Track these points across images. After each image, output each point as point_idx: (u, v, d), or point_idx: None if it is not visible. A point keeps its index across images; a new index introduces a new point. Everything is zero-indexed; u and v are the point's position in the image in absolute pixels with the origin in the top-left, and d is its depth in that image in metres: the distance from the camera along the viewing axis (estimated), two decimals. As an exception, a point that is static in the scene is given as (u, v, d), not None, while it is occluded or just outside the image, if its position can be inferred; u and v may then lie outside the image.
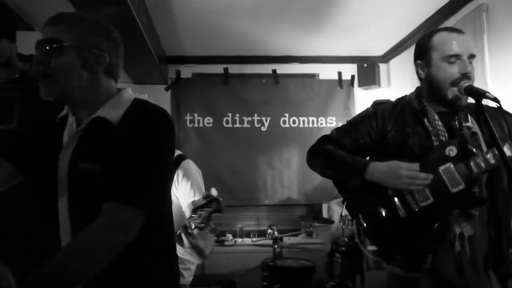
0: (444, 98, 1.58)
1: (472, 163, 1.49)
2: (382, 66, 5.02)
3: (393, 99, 1.79)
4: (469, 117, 1.60)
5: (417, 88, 1.74)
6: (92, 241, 1.08)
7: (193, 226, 1.91)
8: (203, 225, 1.88)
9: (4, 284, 1.21)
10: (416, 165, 1.52)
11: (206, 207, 1.90)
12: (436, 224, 1.51)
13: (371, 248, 1.71)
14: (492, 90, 3.02)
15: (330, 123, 4.95)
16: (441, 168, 1.53)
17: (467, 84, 1.50)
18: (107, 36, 1.26)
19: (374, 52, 4.92)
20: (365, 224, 1.67)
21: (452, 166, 1.52)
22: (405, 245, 1.58)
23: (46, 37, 1.19)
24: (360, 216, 1.69)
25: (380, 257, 1.66)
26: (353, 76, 4.99)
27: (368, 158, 1.71)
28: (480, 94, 1.43)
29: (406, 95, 1.77)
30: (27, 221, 1.60)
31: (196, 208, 1.94)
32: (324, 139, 1.79)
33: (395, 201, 1.59)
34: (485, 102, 1.45)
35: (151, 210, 1.15)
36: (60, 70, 1.18)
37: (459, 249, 1.51)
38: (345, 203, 1.81)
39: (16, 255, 1.73)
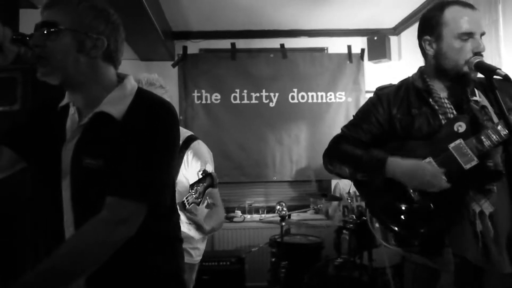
0: (458, 74, 1.52)
1: (483, 136, 1.45)
2: (393, 39, 4.89)
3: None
4: (476, 91, 1.56)
5: (420, 67, 1.70)
6: (94, 235, 1.09)
7: (190, 201, 1.93)
8: (200, 200, 1.90)
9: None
10: (440, 172, 1.47)
11: (202, 182, 1.92)
12: (453, 205, 1.47)
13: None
14: (506, 62, 2.96)
15: (339, 98, 4.86)
16: (451, 146, 1.49)
17: (477, 60, 1.45)
18: (106, 19, 1.22)
19: (385, 25, 4.79)
20: (380, 213, 1.62)
21: (462, 142, 1.48)
22: (422, 229, 1.52)
23: (43, 20, 1.17)
24: (375, 204, 1.65)
25: (398, 245, 1.62)
26: (363, 50, 4.88)
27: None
28: (491, 71, 1.38)
29: (409, 77, 1.71)
30: (31, 207, 1.59)
31: (193, 183, 1.96)
32: (338, 139, 1.74)
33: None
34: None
35: (153, 204, 1.16)
36: (56, 53, 1.16)
37: (481, 228, 1.46)
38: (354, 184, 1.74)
39: (22, 242, 1.73)
